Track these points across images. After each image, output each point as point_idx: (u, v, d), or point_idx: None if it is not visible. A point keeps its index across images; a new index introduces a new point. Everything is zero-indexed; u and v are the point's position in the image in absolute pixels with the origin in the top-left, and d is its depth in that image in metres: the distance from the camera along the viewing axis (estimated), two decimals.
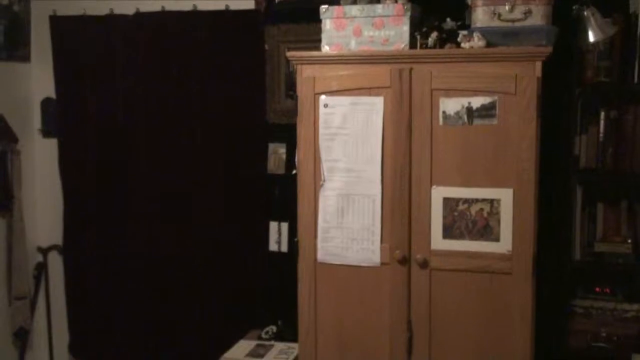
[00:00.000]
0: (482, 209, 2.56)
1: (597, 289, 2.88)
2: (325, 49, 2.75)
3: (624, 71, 2.79)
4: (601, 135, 2.83)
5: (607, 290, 2.87)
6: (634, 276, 2.86)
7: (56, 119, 3.76)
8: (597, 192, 2.89)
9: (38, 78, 3.81)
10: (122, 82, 3.57)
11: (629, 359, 2.73)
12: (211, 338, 3.47)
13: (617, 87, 2.82)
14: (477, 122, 2.54)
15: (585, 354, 2.81)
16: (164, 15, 3.48)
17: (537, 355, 2.58)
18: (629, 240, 2.83)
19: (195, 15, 3.44)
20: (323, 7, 2.73)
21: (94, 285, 3.73)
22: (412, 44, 2.65)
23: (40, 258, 3.89)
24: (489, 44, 2.55)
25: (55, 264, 3.89)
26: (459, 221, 2.59)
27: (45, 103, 3.82)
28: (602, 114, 2.82)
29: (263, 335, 3.32)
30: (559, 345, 2.84)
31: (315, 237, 2.76)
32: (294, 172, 2.86)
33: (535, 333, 2.56)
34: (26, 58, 3.78)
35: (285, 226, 3.45)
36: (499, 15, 2.54)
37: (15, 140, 3.66)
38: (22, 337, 3.77)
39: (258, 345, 3.21)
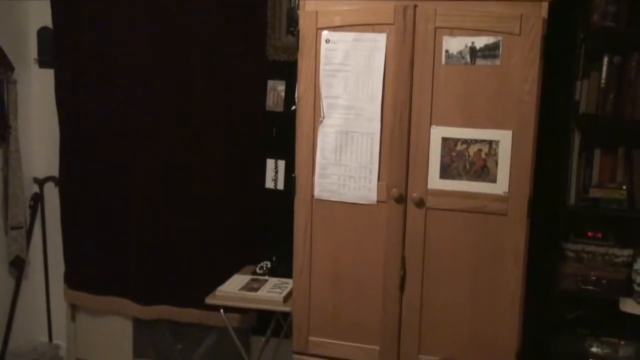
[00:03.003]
0: (480, 150, 2.57)
1: (590, 234, 2.91)
2: None
3: (630, 17, 2.76)
4: (603, 81, 2.82)
5: (599, 235, 2.90)
6: (627, 222, 2.89)
7: (53, 49, 3.71)
8: (595, 138, 2.89)
9: (35, 6, 3.74)
10: (120, 11, 3.50)
11: (616, 302, 2.78)
12: (206, 272, 3.51)
13: (623, 33, 2.79)
14: (479, 62, 2.52)
15: (574, 296, 2.86)
16: None
17: (527, 296, 2.62)
18: (624, 187, 2.84)
19: None
20: None
21: (89, 217, 3.74)
22: None
23: (36, 189, 3.90)
24: None
25: (51, 195, 3.90)
26: (457, 161, 2.60)
27: (42, 32, 3.76)
28: (606, 60, 2.80)
29: (257, 271, 3.36)
30: (549, 287, 2.89)
31: (313, 173, 2.77)
32: (293, 108, 2.85)
33: (526, 274, 2.60)
34: None
35: (282, 164, 3.46)
36: None
37: (11, 68, 3.62)
38: (18, 266, 3.81)
39: (252, 280, 3.25)
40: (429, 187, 2.64)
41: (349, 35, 2.65)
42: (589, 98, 2.84)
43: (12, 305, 3.82)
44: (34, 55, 3.81)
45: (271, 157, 3.48)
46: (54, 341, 4.03)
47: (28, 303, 3.93)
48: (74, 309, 3.97)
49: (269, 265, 3.36)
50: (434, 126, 2.61)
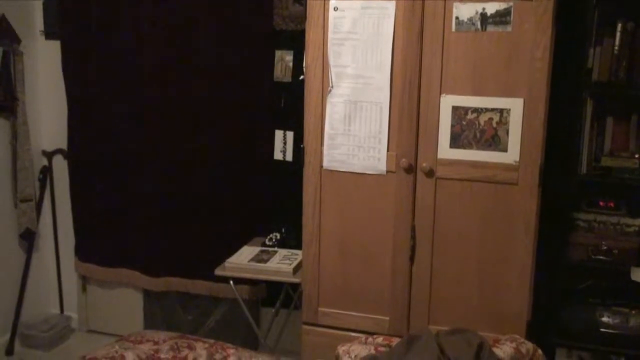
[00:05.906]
0: (491, 119, 2.53)
1: (601, 203, 2.88)
2: None
3: None
4: (616, 47, 2.76)
5: (611, 204, 2.87)
6: (639, 191, 2.85)
7: (58, 20, 3.67)
8: (608, 106, 2.84)
9: None
10: None
11: (627, 271, 2.76)
12: (215, 244, 3.51)
13: None
14: (490, 28, 2.48)
15: (585, 266, 2.84)
16: None
17: (537, 266, 2.60)
18: (637, 156, 2.80)
19: None
20: None
21: (99, 189, 3.75)
22: None
23: (45, 162, 3.90)
24: None
25: (60, 167, 3.90)
26: (467, 130, 2.57)
27: (48, 3, 3.73)
28: (619, 26, 2.74)
29: (267, 242, 3.35)
30: (560, 257, 2.87)
31: (322, 144, 2.75)
32: (302, 78, 2.82)
33: (537, 244, 2.58)
34: None
35: (290, 135, 3.44)
36: None
37: (17, 40, 3.59)
38: (28, 238, 3.82)
39: (262, 251, 3.25)
40: (438, 156, 2.62)
41: (357, 3, 2.61)
42: (602, 65, 2.78)
43: (24, 278, 3.84)
44: (40, 27, 3.78)
45: (280, 128, 3.46)
46: (65, 313, 4.07)
47: (39, 275, 3.96)
48: (84, 280, 3.99)
49: (278, 237, 3.36)
50: (443, 95, 2.57)
